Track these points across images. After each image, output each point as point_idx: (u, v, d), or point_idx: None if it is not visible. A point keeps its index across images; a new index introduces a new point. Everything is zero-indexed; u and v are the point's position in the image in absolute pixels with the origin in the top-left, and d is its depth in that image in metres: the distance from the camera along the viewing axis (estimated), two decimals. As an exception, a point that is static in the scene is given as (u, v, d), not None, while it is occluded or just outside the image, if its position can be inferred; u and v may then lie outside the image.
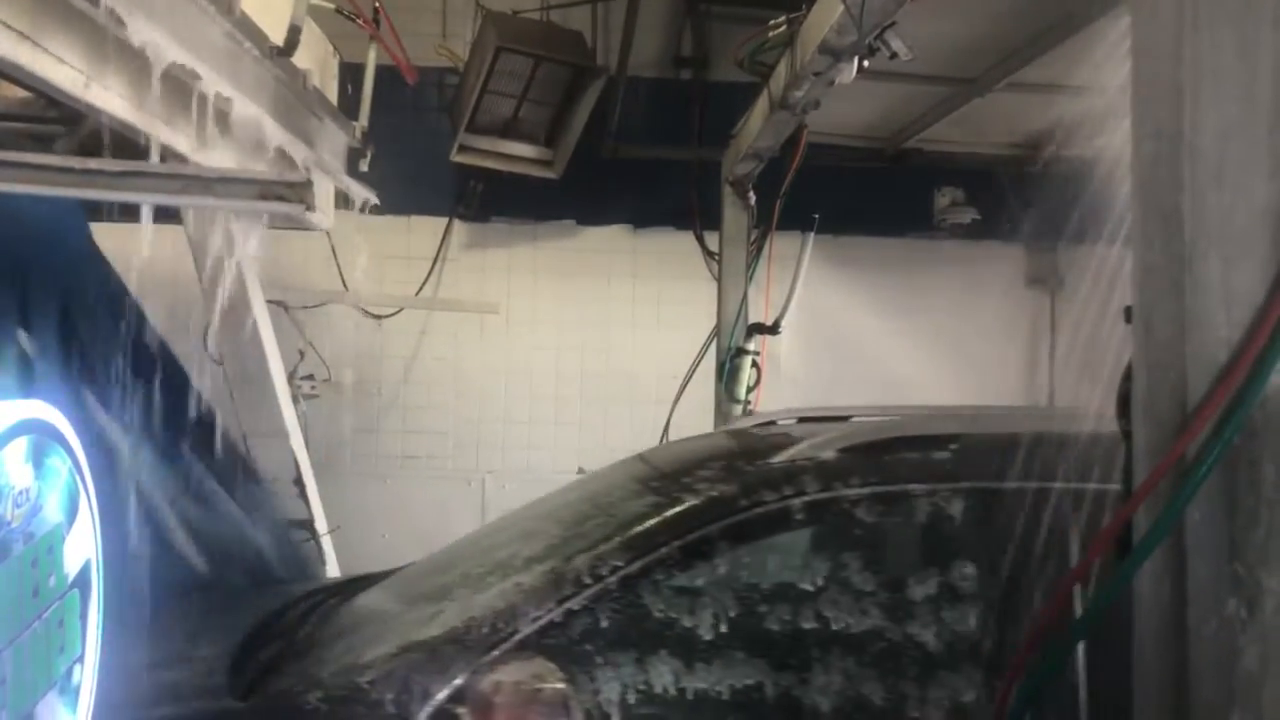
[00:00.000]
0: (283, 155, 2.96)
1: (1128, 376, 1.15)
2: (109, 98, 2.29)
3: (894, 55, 2.85)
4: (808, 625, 2.11)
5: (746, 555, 2.21)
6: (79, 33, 2.12)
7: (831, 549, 2.24)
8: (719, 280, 4.90)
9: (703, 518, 2.21)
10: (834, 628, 2.11)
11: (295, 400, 4.21)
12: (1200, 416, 1.04)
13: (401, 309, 5.39)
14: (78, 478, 1.41)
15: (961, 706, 2.08)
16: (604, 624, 2.09)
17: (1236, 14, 1.03)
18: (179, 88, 2.23)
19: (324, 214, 3.82)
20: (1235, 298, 1.03)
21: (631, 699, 2.05)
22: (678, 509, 2.27)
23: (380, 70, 3.94)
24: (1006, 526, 2.11)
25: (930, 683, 2.09)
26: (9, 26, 1.88)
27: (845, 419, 2.73)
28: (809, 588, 2.15)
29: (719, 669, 2.08)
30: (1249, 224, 1.03)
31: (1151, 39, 1.10)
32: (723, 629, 2.10)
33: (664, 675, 2.07)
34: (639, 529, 2.25)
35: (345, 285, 5.22)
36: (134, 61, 2.17)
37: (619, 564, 2.13)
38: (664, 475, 2.55)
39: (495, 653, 2.05)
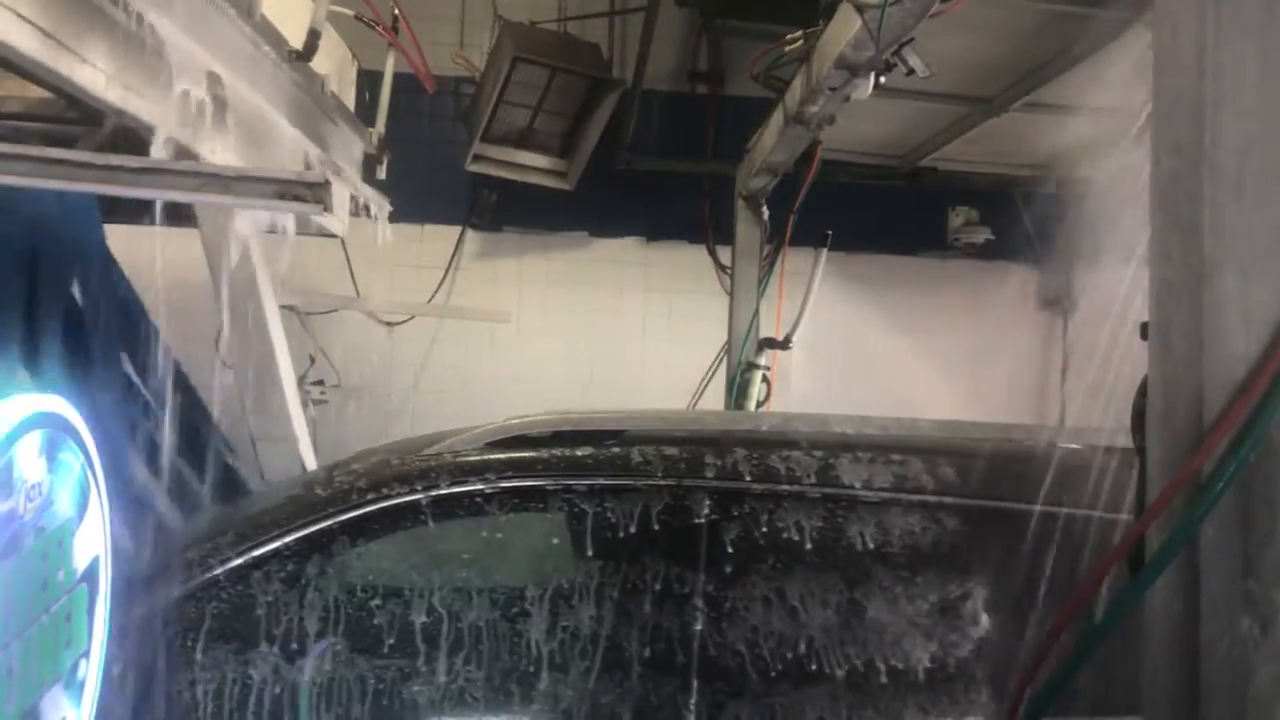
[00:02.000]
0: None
1: (1143, 392, 1.15)
2: (129, 97, 2.30)
3: (911, 72, 2.84)
4: (422, 620, 2.07)
5: (368, 549, 2.17)
6: (100, 32, 2.13)
7: (459, 544, 2.22)
8: (731, 294, 4.90)
9: (322, 512, 2.15)
10: (450, 624, 2.08)
11: (305, 405, 4.20)
12: (1216, 433, 1.03)
13: (413, 316, 5.39)
14: (89, 473, 1.41)
15: (567, 709, 2.05)
16: (208, 615, 2.04)
17: (1258, 28, 1.02)
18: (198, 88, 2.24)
19: (339, 219, 3.83)
20: (1253, 313, 1.03)
21: (231, 692, 2.00)
22: (299, 503, 2.22)
23: (398, 78, 3.95)
24: (644, 524, 2.11)
25: (536, 682, 2.06)
26: (32, 24, 1.89)
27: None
28: (429, 582, 2.11)
29: (326, 663, 2.04)
30: (1268, 239, 1.02)
31: (1173, 54, 1.10)
32: (334, 623, 2.06)
33: (265, 669, 2.02)
34: (258, 522, 2.19)
35: (358, 291, 5.23)
36: (154, 62, 2.18)
37: (229, 556, 2.09)
38: (327, 470, 2.48)
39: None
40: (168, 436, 2.90)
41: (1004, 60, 3.69)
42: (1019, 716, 1.16)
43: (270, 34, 2.61)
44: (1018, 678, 1.18)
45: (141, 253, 3.13)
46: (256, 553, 2.10)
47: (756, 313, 4.63)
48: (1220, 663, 1.04)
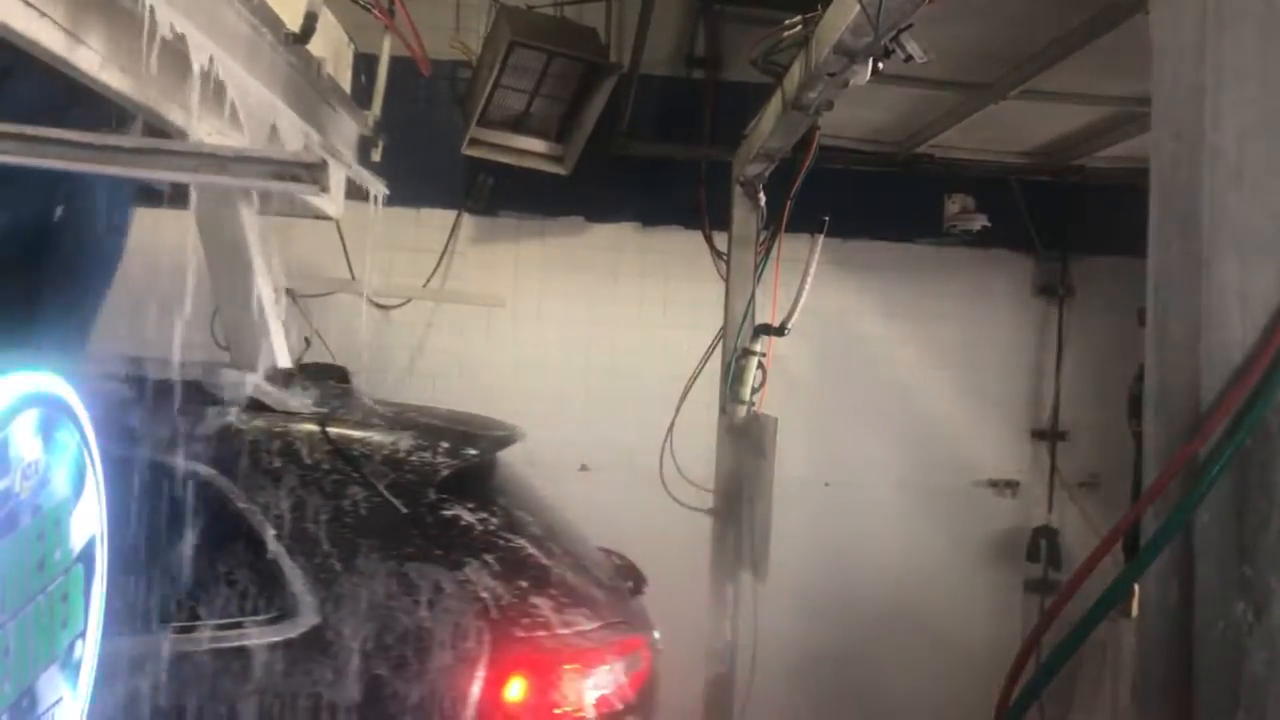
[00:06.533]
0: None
1: (1139, 377, 1.15)
2: (123, 79, 2.28)
3: (909, 58, 2.83)
4: None
5: None
6: (95, 12, 2.12)
7: None
8: (727, 280, 4.90)
9: None
10: None
11: (300, 389, 4.19)
12: (1213, 418, 1.03)
13: (408, 300, 5.39)
14: (86, 453, 1.41)
15: None
16: None
17: (1259, 14, 1.02)
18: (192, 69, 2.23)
19: (335, 202, 3.81)
20: (1251, 299, 1.03)
21: None
22: None
23: (394, 61, 3.93)
24: None
25: None
26: (26, 3, 1.88)
27: None
28: None
29: None
30: (1267, 225, 1.03)
31: (1173, 39, 1.10)
32: None
33: None
34: None
35: (353, 275, 5.22)
36: (150, 43, 2.17)
37: None
38: None
39: None
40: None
41: (1002, 47, 3.68)
42: (1012, 700, 1.17)
43: (267, 16, 2.60)
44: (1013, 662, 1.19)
45: (136, 234, 3.13)
46: None
47: (752, 299, 4.62)
48: (1214, 647, 1.05)
